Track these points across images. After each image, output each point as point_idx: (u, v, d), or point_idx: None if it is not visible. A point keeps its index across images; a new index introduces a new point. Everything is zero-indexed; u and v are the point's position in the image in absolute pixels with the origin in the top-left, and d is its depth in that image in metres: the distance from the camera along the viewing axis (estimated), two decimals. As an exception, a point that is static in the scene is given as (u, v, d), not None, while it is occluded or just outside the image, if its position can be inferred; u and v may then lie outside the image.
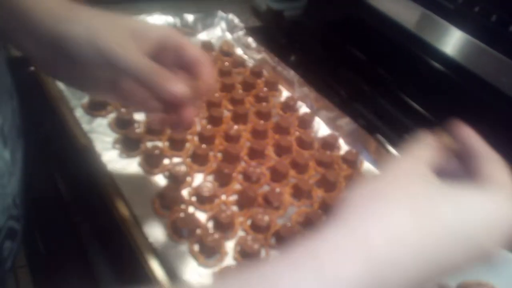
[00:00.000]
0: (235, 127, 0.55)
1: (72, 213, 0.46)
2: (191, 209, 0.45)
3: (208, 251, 0.41)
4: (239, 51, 0.71)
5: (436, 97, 0.70)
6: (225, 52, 0.68)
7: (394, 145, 0.62)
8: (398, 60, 0.74)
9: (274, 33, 0.83)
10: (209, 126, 0.55)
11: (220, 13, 0.73)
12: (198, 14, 0.71)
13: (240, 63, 0.67)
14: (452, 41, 0.64)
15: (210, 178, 0.49)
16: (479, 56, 0.61)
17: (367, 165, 0.56)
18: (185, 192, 0.46)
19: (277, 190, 0.47)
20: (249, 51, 0.70)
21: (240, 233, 0.44)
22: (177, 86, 0.31)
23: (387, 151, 0.56)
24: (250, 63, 0.69)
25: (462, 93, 0.65)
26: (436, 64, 0.68)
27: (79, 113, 0.52)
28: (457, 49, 0.64)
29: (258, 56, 0.69)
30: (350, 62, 0.79)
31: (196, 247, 0.42)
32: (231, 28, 0.72)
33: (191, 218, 0.43)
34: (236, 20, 0.72)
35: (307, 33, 0.85)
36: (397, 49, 0.73)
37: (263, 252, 0.43)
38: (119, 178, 0.46)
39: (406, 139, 0.67)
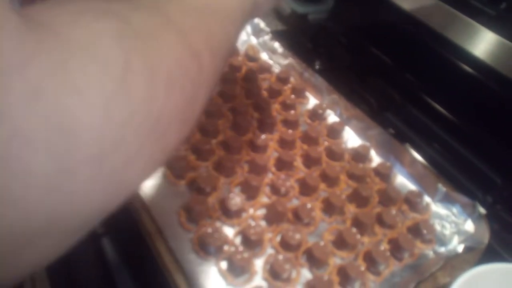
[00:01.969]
0: (262, 136, 0.52)
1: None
2: (218, 223, 0.43)
3: (237, 270, 0.39)
4: (264, 56, 0.69)
5: (469, 105, 0.66)
6: (251, 57, 0.66)
7: (424, 154, 0.59)
8: (428, 65, 0.71)
9: (299, 37, 0.81)
10: (234, 135, 0.52)
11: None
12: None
13: (266, 68, 0.64)
14: (487, 45, 0.61)
15: (237, 190, 0.47)
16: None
17: (400, 179, 0.53)
18: (211, 204, 0.44)
19: (308, 205, 0.45)
20: (275, 56, 0.68)
21: (269, 250, 0.42)
22: None
23: (422, 164, 0.53)
24: (276, 68, 0.66)
25: (498, 101, 0.62)
26: (470, 69, 0.64)
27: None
28: (492, 53, 0.61)
29: (285, 62, 0.66)
30: (378, 67, 0.76)
31: (224, 265, 0.40)
32: (257, 32, 0.70)
33: (218, 234, 0.41)
34: (262, 24, 0.70)
35: (333, 38, 0.83)
36: (427, 53, 0.70)
37: (293, 273, 0.40)
38: (144, 189, 0.44)
39: (437, 149, 0.64)
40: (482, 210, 0.46)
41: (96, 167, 0.15)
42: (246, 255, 0.39)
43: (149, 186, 0.45)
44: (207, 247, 0.40)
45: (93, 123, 0.14)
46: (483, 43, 0.62)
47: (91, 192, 0.16)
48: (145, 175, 0.20)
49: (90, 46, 0.15)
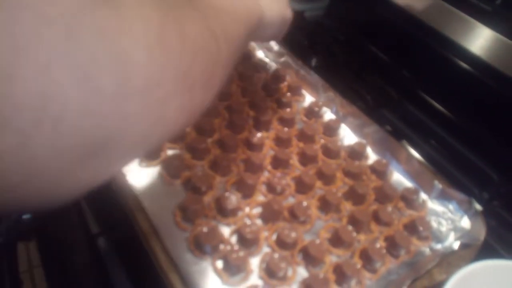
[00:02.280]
0: (258, 134, 0.52)
1: (91, 225, 0.45)
2: (213, 222, 0.43)
3: (233, 269, 0.39)
4: (260, 54, 0.68)
5: (466, 102, 0.66)
6: (246, 55, 0.66)
7: (421, 151, 0.59)
8: (425, 62, 0.71)
9: (296, 35, 0.81)
10: (230, 134, 0.52)
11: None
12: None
13: (261, 66, 0.64)
14: (484, 42, 0.61)
15: (232, 188, 0.47)
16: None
17: (397, 176, 0.53)
18: (207, 203, 0.44)
19: (304, 203, 0.45)
20: (270, 54, 0.68)
21: (265, 249, 0.42)
22: None
23: (418, 160, 0.53)
24: (272, 66, 0.66)
25: (495, 97, 0.62)
26: (467, 66, 0.64)
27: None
28: (489, 50, 0.61)
29: (281, 59, 0.66)
30: (375, 64, 0.76)
31: (219, 264, 0.40)
32: (252, 29, 0.70)
33: (214, 233, 0.40)
34: (257, 22, 0.69)
35: (329, 35, 0.82)
36: (424, 50, 0.70)
37: (290, 271, 0.40)
38: (139, 188, 0.44)
39: (434, 145, 0.64)
40: (478, 206, 0.46)
41: (144, 96, 0.19)
42: (241, 254, 0.39)
43: (144, 185, 0.45)
44: (203, 246, 0.40)
45: (140, 60, 0.19)
46: (479, 39, 0.62)
47: (139, 118, 0.19)
48: (176, 122, 0.23)
49: (137, 7, 0.20)
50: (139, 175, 0.46)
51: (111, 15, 0.18)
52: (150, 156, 0.48)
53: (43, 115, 0.15)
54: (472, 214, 0.46)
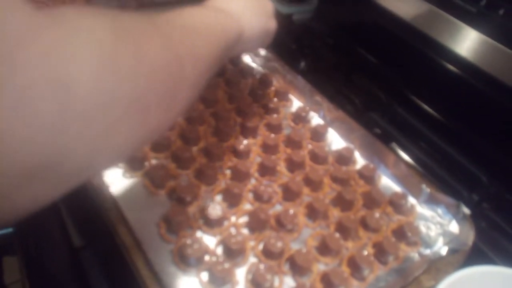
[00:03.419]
0: (245, 141, 0.52)
1: (73, 238, 0.44)
2: (199, 233, 0.42)
3: (218, 281, 0.38)
4: (247, 59, 0.68)
5: (454, 103, 0.66)
6: (233, 61, 0.65)
7: (410, 153, 0.58)
8: (413, 64, 0.70)
9: (283, 38, 0.80)
10: (216, 141, 0.52)
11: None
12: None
13: (248, 72, 0.64)
14: (471, 44, 0.61)
15: (218, 197, 0.46)
16: (502, 60, 0.57)
17: (385, 180, 0.52)
18: (192, 214, 0.43)
19: (291, 211, 0.44)
20: (257, 59, 0.67)
21: (252, 259, 0.41)
22: None
23: (406, 164, 0.52)
24: (259, 71, 0.66)
25: (482, 99, 0.62)
26: (454, 68, 0.64)
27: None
28: (476, 52, 0.60)
29: (267, 64, 0.66)
30: (363, 67, 0.76)
31: (204, 276, 0.39)
32: (239, 35, 0.69)
33: (199, 244, 0.40)
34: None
35: (317, 38, 0.82)
36: (412, 53, 0.69)
37: (276, 281, 0.40)
38: (123, 200, 0.43)
39: (423, 147, 0.64)
40: (466, 210, 0.46)
41: (87, 123, 0.19)
42: (227, 265, 0.38)
43: (128, 197, 0.44)
44: (188, 259, 0.39)
45: (85, 86, 0.18)
46: (466, 41, 0.61)
47: (80, 144, 0.19)
48: (126, 146, 0.23)
49: (89, 30, 0.19)
50: (123, 186, 0.45)
51: (57, 39, 0.17)
52: (134, 166, 0.47)
53: None
54: (460, 218, 0.46)
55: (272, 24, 0.49)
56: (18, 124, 0.16)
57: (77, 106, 0.18)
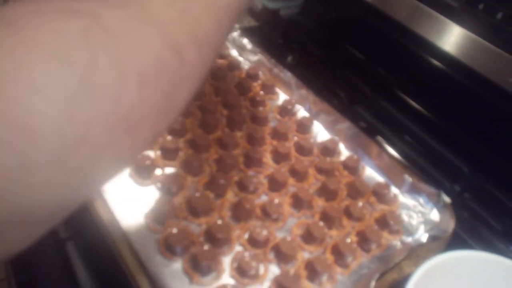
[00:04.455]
0: (231, 134, 0.52)
1: (58, 229, 0.44)
2: (184, 223, 0.43)
3: (203, 269, 0.39)
4: (234, 52, 0.68)
5: (438, 97, 0.68)
6: (220, 54, 0.65)
7: (395, 146, 0.60)
8: (398, 59, 0.72)
9: (270, 33, 0.81)
10: (202, 133, 0.52)
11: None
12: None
13: (235, 65, 0.64)
14: (454, 39, 0.62)
15: (204, 188, 0.47)
16: (484, 55, 0.58)
17: (369, 171, 0.53)
18: (178, 204, 0.44)
19: (276, 201, 0.45)
20: (244, 53, 0.68)
21: (238, 247, 0.42)
22: None
23: (389, 155, 0.53)
24: (246, 65, 0.66)
25: (465, 92, 0.63)
26: (438, 63, 0.65)
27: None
28: (459, 47, 0.62)
29: (254, 58, 0.66)
30: (349, 62, 0.77)
31: (190, 265, 0.39)
32: (226, 29, 0.70)
33: (184, 234, 0.40)
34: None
35: (304, 33, 0.83)
36: (397, 48, 0.71)
37: (261, 268, 0.40)
38: (108, 191, 0.43)
39: (407, 141, 0.65)
40: (446, 199, 0.47)
41: (59, 162, 0.15)
42: (212, 253, 0.39)
43: (113, 188, 0.44)
44: (173, 248, 0.39)
45: (54, 120, 0.15)
46: (449, 36, 0.63)
47: (54, 186, 0.16)
48: (113, 171, 0.20)
49: (53, 45, 0.15)
50: (109, 178, 0.45)
51: (10, 68, 0.14)
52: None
53: None
54: (441, 207, 0.47)
55: None
56: None
57: (44, 147, 0.15)
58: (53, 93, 0.15)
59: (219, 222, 0.42)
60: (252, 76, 0.62)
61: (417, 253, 0.43)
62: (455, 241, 0.46)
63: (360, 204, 0.47)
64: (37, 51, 0.15)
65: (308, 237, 0.43)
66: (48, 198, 0.16)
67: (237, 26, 0.70)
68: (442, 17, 0.62)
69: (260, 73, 0.63)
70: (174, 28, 0.22)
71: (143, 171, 0.46)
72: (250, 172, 0.49)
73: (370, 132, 0.58)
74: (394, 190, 0.51)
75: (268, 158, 0.52)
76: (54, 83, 0.15)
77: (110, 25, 0.18)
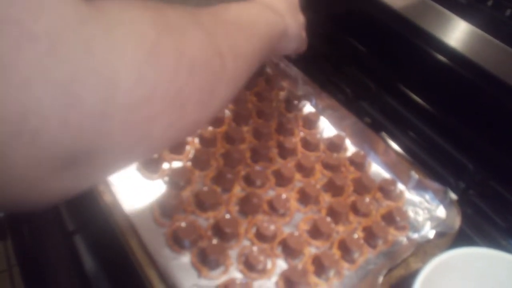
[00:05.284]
0: (238, 128, 0.52)
1: (66, 222, 0.44)
2: (192, 217, 0.43)
3: (211, 263, 0.39)
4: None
5: (443, 93, 0.67)
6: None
7: (399, 142, 0.60)
8: (404, 55, 0.71)
9: (275, 28, 0.80)
10: (209, 128, 0.52)
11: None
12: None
13: (241, 59, 0.64)
14: (460, 35, 0.62)
15: (211, 183, 0.47)
16: (491, 51, 0.58)
17: (375, 167, 0.53)
18: (186, 198, 0.44)
19: (283, 196, 0.45)
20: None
21: (245, 242, 0.42)
22: None
23: (395, 152, 0.53)
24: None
25: (470, 89, 0.63)
26: (444, 59, 0.65)
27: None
28: (465, 43, 0.62)
29: (260, 52, 0.66)
30: (355, 57, 0.76)
31: (198, 259, 0.39)
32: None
33: (192, 227, 0.40)
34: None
35: (309, 27, 0.82)
36: (403, 43, 0.70)
37: (269, 263, 0.41)
38: (116, 184, 0.43)
39: (411, 136, 0.65)
40: (453, 195, 0.47)
41: (130, 113, 0.19)
42: (220, 247, 0.39)
43: (121, 181, 0.44)
44: (181, 241, 0.40)
45: (128, 79, 0.18)
46: (455, 32, 0.62)
47: (121, 134, 0.19)
48: (163, 139, 0.23)
49: (130, 24, 0.20)
50: (116, 171, 0.45)
51: (99, 32, 0.18)
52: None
53: (22, 128, 0.15)
54: (447, 204, 0.47)
55: (304, 35, 0.50)
56: (63, 112, 0.16)
57: (119, 98, 0.18)
58: (127, 57, 0.19)
59: (227, 216, 0.42)
60: (258, 71, 0.62)
61: (424, 249, 0.43)
62: (460, 237, 0.47)
63: (367, 200, 0.47)
64: (119, 25, 0.19)
65: (315, 232, 0.43)
66: (120, 139, 0.19)
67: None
68: (448, 13, 0.62)
69: (267, 67, 0.63)
70: (219, 38, 0.27)
71: (151, 165, 0.46)
72: (257, 167, 0.49)
73: (375, 127, 0.58)
74: (400, 186, 0.51)
75: (274, 153, 0.52)
76: (129, 50, 0.19)
77: (172, 20, 0.23)
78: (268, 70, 0.63)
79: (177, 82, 0.22)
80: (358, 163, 0.52)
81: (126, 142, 0.20)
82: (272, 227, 0.42)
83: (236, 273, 0.40)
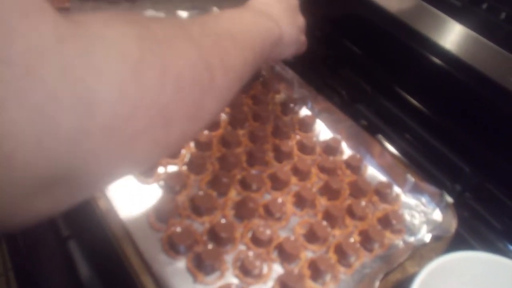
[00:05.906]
0: (233, 132, 0.52)
1: (61, 228, 0.43)
2: (188, 222, 0.43)
3: (207, 268, 0.39)
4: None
5: (439, 96, 0.67)
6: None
7: (395, 145, 0.60)
8: (400, 57, 0.71)
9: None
10: (205, 132, 0.52)
11: (216, 10, 0.70)
12: (192, 11, 0.68)
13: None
14: (456, 38, 0.62)
15: (207, 187, 0.47)
16: (486, 54, 0.58)
17: (371, 170, 0.53)
18: (181, 203, 0.44)
19: (279, 200, 0.45)
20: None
21: (241, 246, 0.42)
22: None
23: (391, 154, 0.53)
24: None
25: (466, 92, 0.63)
26: (439, 62, 0.65)
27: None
28: (461, 46, 0.62)
29: (256, 55, 0.66)
30: (350, 60, 0.77)
31: (194, 264, 0.39)
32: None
33: (188, 232, 0.40)
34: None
35: (305, 30, 0.82)
36: (398, 46, 0.70)
37: (265, 268, 0.40)
38: (111, 188, 0.43)
39: (408, 139, 0.65)
40: (449, 199, 0.47)
41: (109, 134, 0.18)
42: (215, 252, 0.39)
43: (116, 186, 0.44)
44: (177, 246, 0.39)
45: (108, 98, 0.18)
46: (451, 35, 0.63)
47: (101, 155, 0.19)
48: (148, 156, 0.23)
49: (112, 41, 0.19)
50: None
51: (78, 52, 0.17)
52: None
53: None
54: (444, 207, 0.47)
55: (303, 38, 0.49)
56: (38, 135, 0.16)
57: (98, 118, 0.18)
58: (108, 76, 0.18)
59: (223, 221, 0.42)
60: (254, 74, 0.62)
61: (420, 253, 0.43)
62: (456, 240, 0.47)
63: (363, 203, 0.47)
64: (100, 43, 0.18)
65: (311, 236, 0.43)
66: (96, 164, 0.19)
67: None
68: (444, 16, 0.62)
69: (262, 70, 0.63)
70: (208, 51, 0.26)
71: (146, 170, 0.45)
72: (253, 171, 0.49)
73: (371, 130, 0.58)
74: (396, 189, 0.51)
75: (270, 157, 0.52)
76: (110, 68, 0.18)
77: (158, 34, 0.23)
78: (264, 73, 0.63)
79: (162, 99, 0.21)
80: (354, 166, 0.51)
81: (106, 162, 0.19)
82: (268, 232, 0.42)
83: (232, 278, 0.39)
